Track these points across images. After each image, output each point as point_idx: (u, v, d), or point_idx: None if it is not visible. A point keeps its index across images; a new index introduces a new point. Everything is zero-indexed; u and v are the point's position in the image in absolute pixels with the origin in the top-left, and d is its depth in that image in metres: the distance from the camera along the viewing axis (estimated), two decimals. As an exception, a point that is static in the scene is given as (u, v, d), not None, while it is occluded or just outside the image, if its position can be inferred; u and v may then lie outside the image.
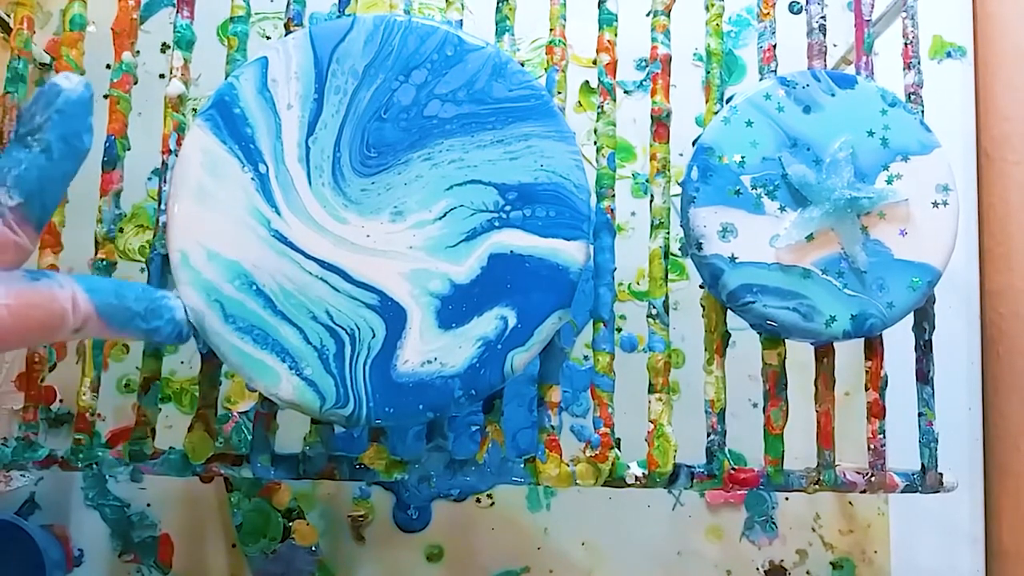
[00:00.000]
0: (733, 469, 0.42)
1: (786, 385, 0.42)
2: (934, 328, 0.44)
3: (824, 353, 0.43)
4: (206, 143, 0.37)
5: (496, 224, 0.38)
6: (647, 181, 0.60)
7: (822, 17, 0.45)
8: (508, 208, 0.38)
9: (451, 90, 0.38)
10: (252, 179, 0.37)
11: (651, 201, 0.43)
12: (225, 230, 0.37)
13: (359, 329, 0.37)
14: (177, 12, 0.43)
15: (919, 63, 0.45)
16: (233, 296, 0.37)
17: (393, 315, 0.37)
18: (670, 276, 0.44)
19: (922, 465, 0.43)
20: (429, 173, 0.38)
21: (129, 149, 0.42)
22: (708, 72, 0.44)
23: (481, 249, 0.37)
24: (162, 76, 0.60)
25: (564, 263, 0.38)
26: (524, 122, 0.38)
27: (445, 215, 0.38)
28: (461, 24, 0.43)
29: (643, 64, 0.63)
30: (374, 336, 0.37)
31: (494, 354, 0.37)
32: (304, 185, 0.37)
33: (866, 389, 0.43)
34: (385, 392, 0.37)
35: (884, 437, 0.42)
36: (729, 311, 0.42)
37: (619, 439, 0.42)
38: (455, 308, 0.37)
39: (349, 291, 0.37)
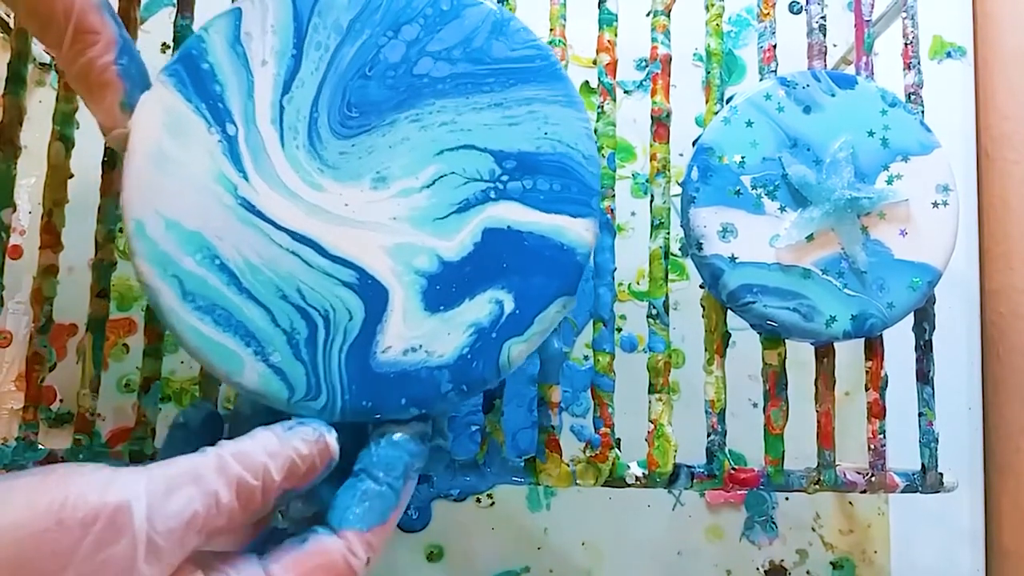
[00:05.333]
0: (733, 469, 0.42)
1: (786, 385, 0.42)
2: (934, 328, 0.44)
3: (824, 353, 0.43)
4: (169, 101, 0.33)
5: (492, 195, 0.34)
6: (647, 181, 0.60)
7: (822, 17, 0.45)
8: (506, 178, 0.34)
9: (445, 47, 0.34)
10: (219, 141, 0.33)
11: (651, 201, 0.43)
12: (187, 197, 0.33)
13: (334, 310, 0.33)
14: (177, 12, 0.43)
15: (919, 63, 0.45)
16: (193, 271, 0.32)
17: (373, 295, 0.33)
18: (670, 276, 0.44)
19: (922, 465, 0.43)
20: (417, 136, 0.34)
21: (129, 149, 0.42)
22: (708, 72, 0.44)
23: (474, 223, 0.33)
24: (162, 76, 0.60)
25: (569, 243, 0.34)
26: (527, 84, 0.34)
27: (434, 183, 0.34)
28: None
29: (643, 64, 0.63)
30: (351, 319, 0.33)
31: (488, 343, 0.33)
32: (276, 147, 0.33)
33: (866, 389, 0.43)
34: (363, 383, 0.33)
35: (884, 437, 0.42)
36: (729, 311, 0.42)
37: (619, 439, 0.42)
38: (443, 289, 0.33)
39: (323, 267, 0.33)
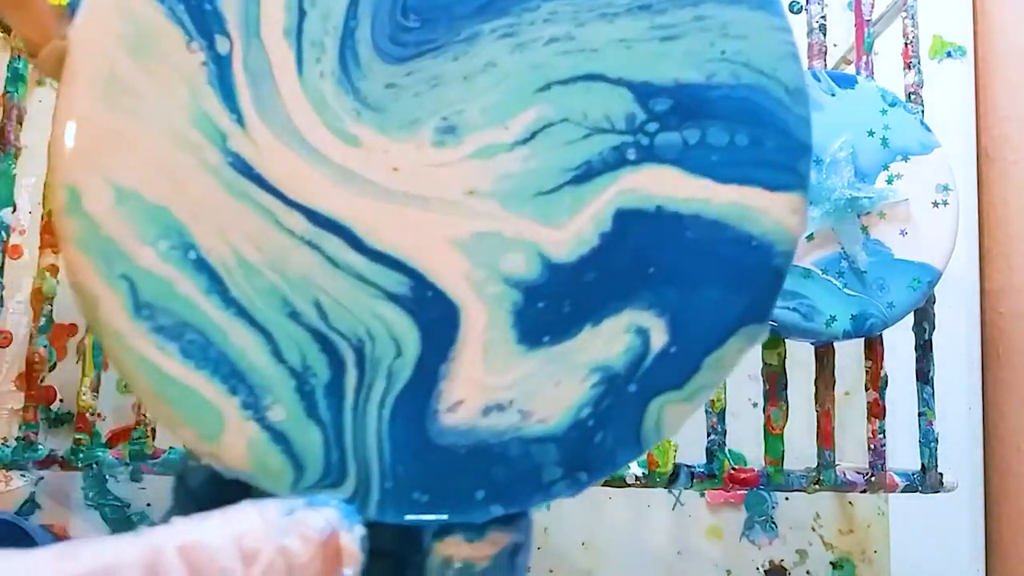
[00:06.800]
0: (733, 469, 0.42)
1: (786, 385, 0.42)
2: (934, 328, 0.44)
3: (824, 353, 0.43)
4: (131, 1, 0.21)
5: (631, 156, 0.21)
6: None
7: (822, 17, 0.45)
8: (654, 127, 0.21)
9: None
10: (204, 64, 0.21)
11: (651, 201, 0.43)
12: (150, 152, 0.21)
13: (372, 340, 0.21)
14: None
15: (919, 63, 0.45)
16: (154, 270, 0.21)
17: (436, 317, 0.21)
18: (670, 276, 0.44)
19: (922, 465, 0.43)
20: (509, 60, 0.21)
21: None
22: (708, 72, 0.44)
23: (601, 201, 0.21)
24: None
25: (762, 233, 0.21)
26: None
27: (535, 136, 0.21)
28: None
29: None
30: (399, 355, 0.21)
31: (623, 400, 0.21)
32: (290, 75, 0.21)
33: (866, 389, 0.43)
34: (416, 462, 0.20)
35: (884, 437, 0.42)
36: (729, 311, 0.42)
37: (619, 439, 0.42)
38: (550, 309, 0.21)
39: (358, 268, 0.21)
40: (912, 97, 0.44)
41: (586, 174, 0.21)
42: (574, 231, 0.21)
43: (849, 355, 0.46)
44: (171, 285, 0.21)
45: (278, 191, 0.21)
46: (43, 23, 0.22)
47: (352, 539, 0.19)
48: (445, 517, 0.21)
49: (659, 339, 0.21)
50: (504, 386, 0.21)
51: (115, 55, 0.21)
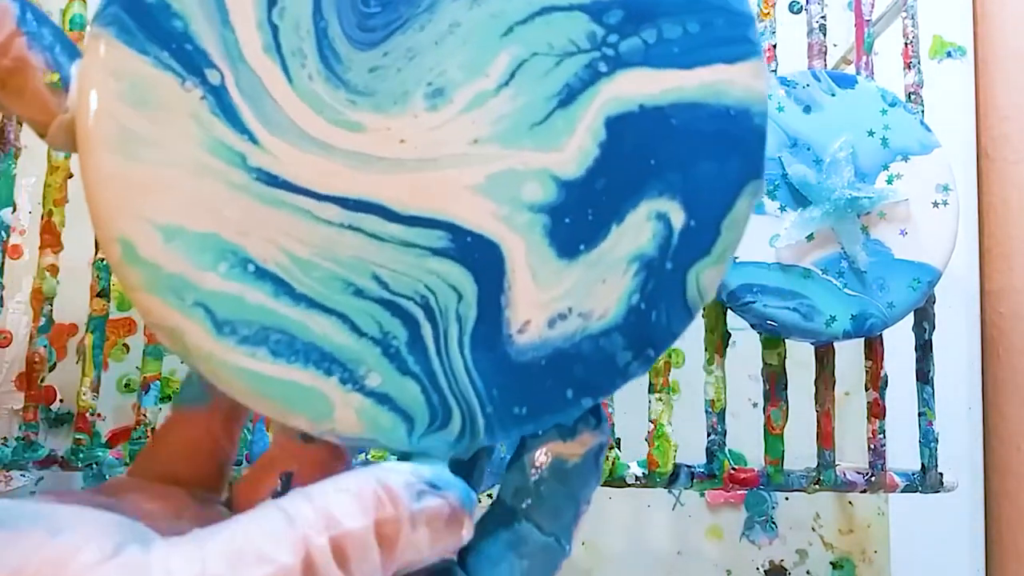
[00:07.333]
0: (733, 469, 0.42)
1: (786, 385, 0.42)
2: (934, 328, 0.44)
3: (824, 353, 0.43)
4: (118, 60, 0.22)
5: (602, 68, 0.23)
6: (647, 181, 0.60)
7: (822, 17, 0.45)
8: (614, 38, 0.23)
9: None
10: (202, 98, 0.23)
11: (651, 201, 0.43)
12: (182, 189, 0.22)
13: (434, 293, 0.23)
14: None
15: (919, 63, 0.45)
16: (221, 290, 0.22)
17: (480, 257, 0.23)
18: (670, 276, 0.44)
19: (922, 465, 0.43)
20: (469, 16, 0.23)
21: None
22: (708, 72, 0.44)
23: (589, 115, 0.23)
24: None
25: (736, 101, 0.23)
26: None
27: (513, 76, 0.23)
28: None
29: (643, 64, 0.63)
30: (461, 299, 0.23)
31: (664, 278, 0.23)
32: (281, 85, 0.23)
33: (866, 389, 0.43)
34: (506, 381, 0.23)
35: (884, 437, 0.42)
36: (729, 311, 0.42)
37: (619, 439, 0.42)
38: (576, 221, 0.23)
39: (399, 236, 0.23)
40: (912, 97, 0.44)
41: (569, 96, 0.23)
42: (575, 148, 0.23)
43: (849, 355, 0.46)
44: (241, 299, 0.22)
45: (307, 190, 0.23)
46: (42, 103, 0.23)
47: (472, 517, 0.22)
48: (542, 423, 0.23)
49: (678, 218, 0.23)
50: (559, 297, 0.23)
51: (120, 112, 0.22)
